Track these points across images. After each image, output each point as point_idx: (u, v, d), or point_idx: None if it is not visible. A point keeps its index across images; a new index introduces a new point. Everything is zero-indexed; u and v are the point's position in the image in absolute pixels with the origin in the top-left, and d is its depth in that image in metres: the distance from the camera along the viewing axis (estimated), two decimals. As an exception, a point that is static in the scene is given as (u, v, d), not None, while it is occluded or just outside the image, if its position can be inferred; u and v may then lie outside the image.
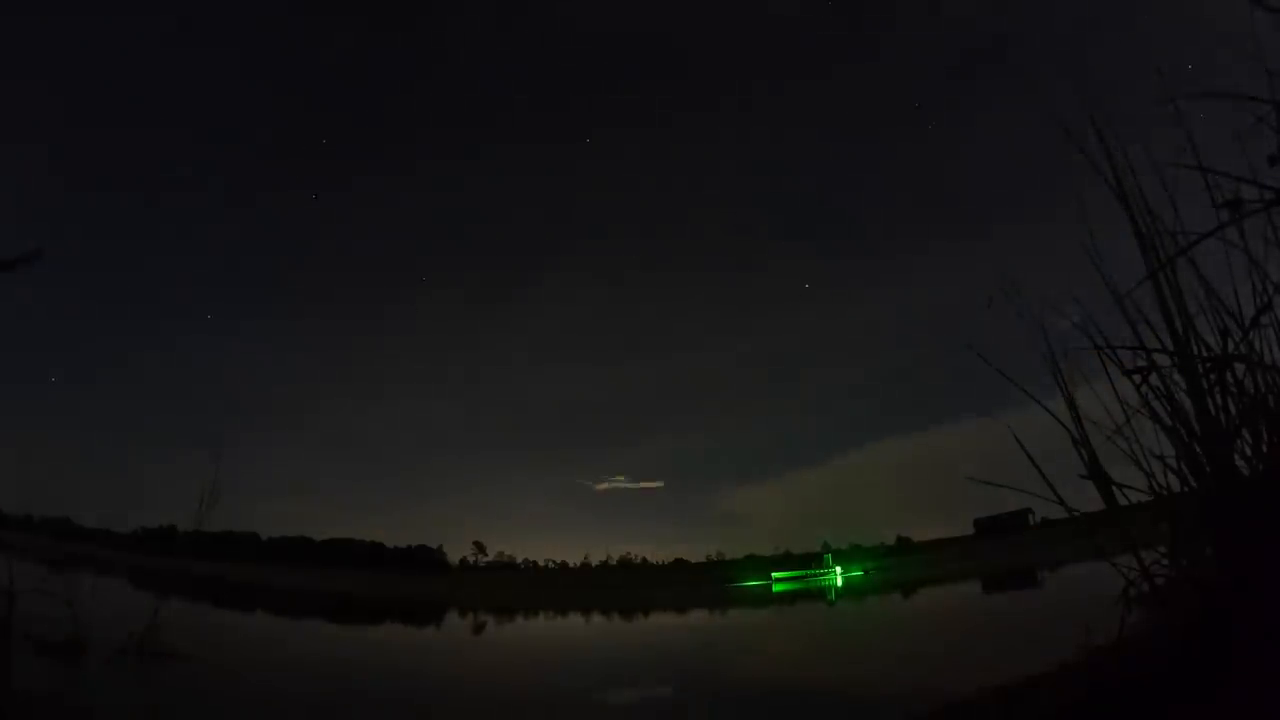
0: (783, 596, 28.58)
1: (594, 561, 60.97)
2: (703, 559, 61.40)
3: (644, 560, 61.52)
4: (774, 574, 41.74)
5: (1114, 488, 2.07)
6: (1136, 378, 2.02)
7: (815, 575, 43.06)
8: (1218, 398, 1.87)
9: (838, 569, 44.79)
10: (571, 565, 61.69)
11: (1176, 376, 1.95)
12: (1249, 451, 1.81)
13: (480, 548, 61.83)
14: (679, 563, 61.69)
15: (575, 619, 20.04)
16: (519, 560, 62.29)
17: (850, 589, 30.34)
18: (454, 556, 60.98)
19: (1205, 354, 1.91)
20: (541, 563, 62.62)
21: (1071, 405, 2.16)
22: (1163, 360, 1.98)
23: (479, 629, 17.05)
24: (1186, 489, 1.91)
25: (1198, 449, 1.88)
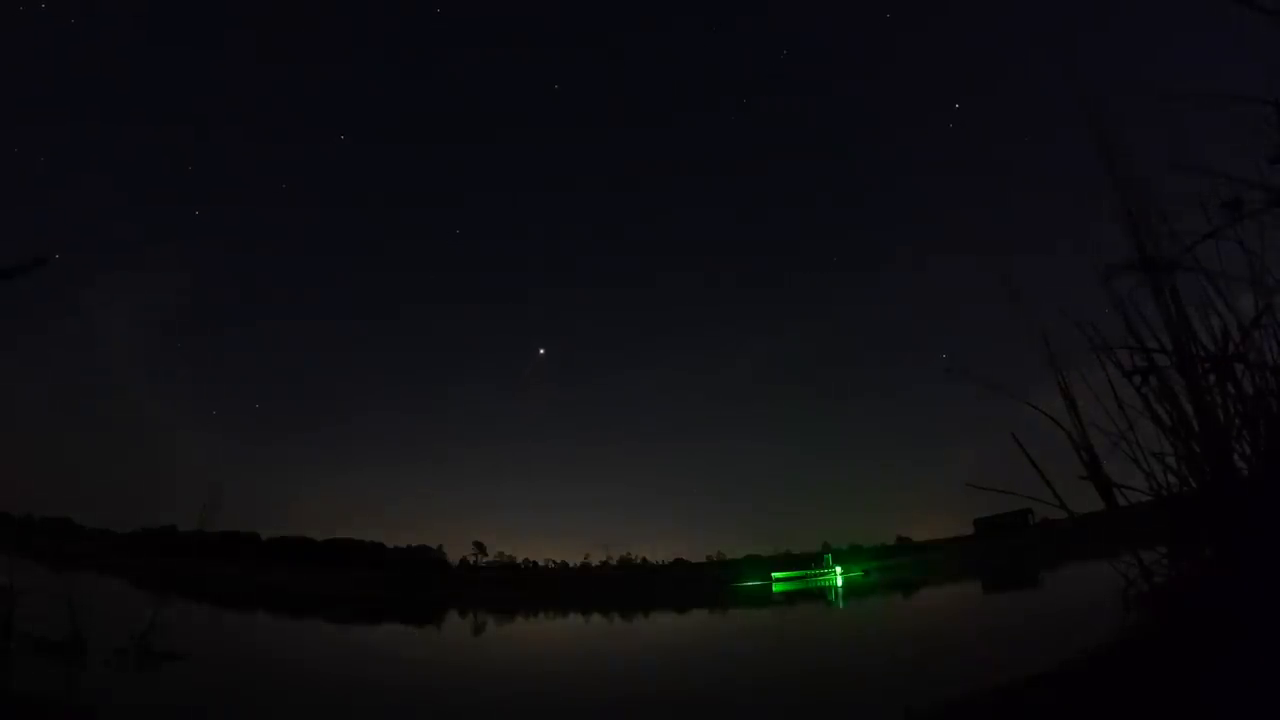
0: (783, 596, 28.58)
1: (594, 561, 61.02)
2: (703, 559, 61.45)
3: (644, 560, 61.54)
4: (774, 574, 41.76)
5: (1114, 488, 2.07)
6: (1136, 378, 2.02)
7: (815, 575, 43.07)
8: (1218, 398, 1.87)
9: (838, 569, 44.79)
10: (572, 565, 61.72)
11: (1176, 377, 1.95)
12: (1249, 451, 1.81)
13: (480, 548, 61.82)
14: (679, 562, 61.70)
15: (575, 619, 20.04)
16: (519, 560, 62.31)
17: (850, 589, 30.31)
18: (454, 556, 61.03)
19: (1205, 354, 1.91)
20: (541, 563, 62.66)
21: (1071, 407, 2.16)
22: (1162, 360, 1.98)
23: (479, 629, 17.05)
24: (1186, 489, 1.91)
25: (1197, 449, 1.88)
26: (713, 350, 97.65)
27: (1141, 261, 1.98)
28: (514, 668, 9.39)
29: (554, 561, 62.79)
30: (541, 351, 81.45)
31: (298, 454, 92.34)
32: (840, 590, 29.64)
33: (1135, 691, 1.70)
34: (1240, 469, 1.82)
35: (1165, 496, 1.95)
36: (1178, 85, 1.97)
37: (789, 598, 26.98)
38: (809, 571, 44.27)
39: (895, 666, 6.86)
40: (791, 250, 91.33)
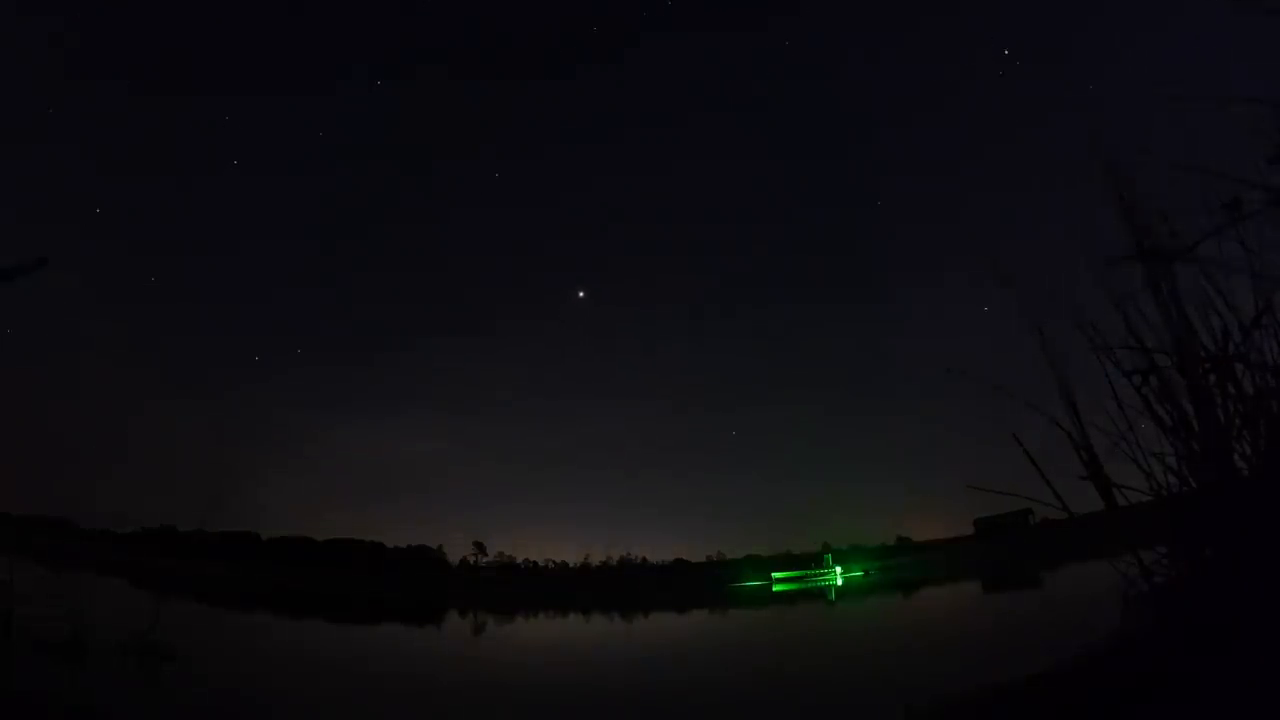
0: (783, 597, 28.58)
1: (594, 561, 60.97)
2: (703, 559, 61.40)
3: (644, 560, 61.49)
4: (774, 574, 41.76)
5: (1114, 488, 2.07)
6: (1136, 378, 2.02)
7: (815, 575, 43.05)
8: (1218, 398, 1.87)
9: (838, 569, 44.76)
10: (572, 565, 61.68)
11: (1176, 377, 1.95)
12: (1249, 451, 1.81)
13: (480, 548, 61.77)
14: (679, 562, 61.65)
15: (576, 619, 20.05)
16: (519, 560, 62.26)
17: (850, 589, 30.32)
18: (454, 556, 60.96)
19: (1205, 354, 1.91)
20: (541, 563, 62.61)
21: (1072, 407, 2.16)
22: (1163, 360, 1.98)
23: (479, 629, 17.06)
24: (1186, 489, 1.90)
25: (1197, 449, 1.88)
26: (713, 351, 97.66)
27: (1140, 252, 1.98)
28: (514, 668, 9.39)
29: (554, 561, 62.72)
30: (581, 294, 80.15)
31: (297, 452, 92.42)
32: (840, 590, 29.64)
33: (1135, 691, 1.70)
34: (1240, 469, 1.82)
35: (1165, 496, 1.95)
36: (1178, 85, 1.97)
37: (789, 598, 26.98)
38: (809, 572, 44.23)
39: (895, 666, 6.87)
40: (791, 250, 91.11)
